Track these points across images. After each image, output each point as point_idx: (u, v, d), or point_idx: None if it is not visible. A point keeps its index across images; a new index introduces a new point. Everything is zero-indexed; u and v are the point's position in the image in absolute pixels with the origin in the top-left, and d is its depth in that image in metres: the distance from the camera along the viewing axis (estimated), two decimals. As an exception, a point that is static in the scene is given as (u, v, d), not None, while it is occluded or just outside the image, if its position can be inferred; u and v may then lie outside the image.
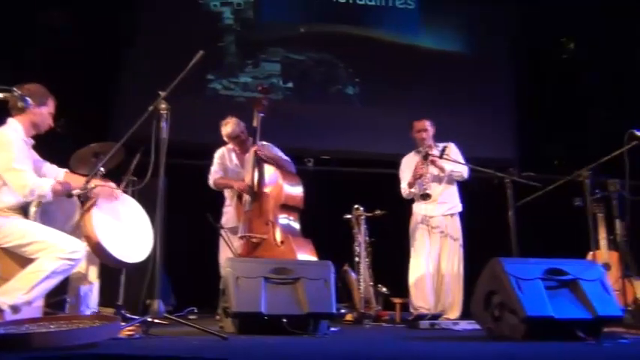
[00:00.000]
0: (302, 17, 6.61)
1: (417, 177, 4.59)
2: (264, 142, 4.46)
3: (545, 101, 6.50)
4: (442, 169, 4.67)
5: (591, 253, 4.35)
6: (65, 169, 3.36)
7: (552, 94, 6.53)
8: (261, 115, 4.41)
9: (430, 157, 4.59)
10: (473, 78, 6.53)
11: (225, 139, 4.57)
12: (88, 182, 3.12)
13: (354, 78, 6.51)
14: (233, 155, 4.62)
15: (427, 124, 4.78)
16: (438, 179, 4.71)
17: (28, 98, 3.07)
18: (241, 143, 4.55)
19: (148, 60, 5.93)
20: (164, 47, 5.86)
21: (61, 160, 3.46)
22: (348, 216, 4.89)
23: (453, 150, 4.71)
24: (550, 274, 3.14)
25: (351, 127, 6.30)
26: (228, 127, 4.50)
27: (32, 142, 3.18)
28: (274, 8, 6.60)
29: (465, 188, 4.91)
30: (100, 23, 5.76)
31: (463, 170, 4.67)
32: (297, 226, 4.29)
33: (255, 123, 4.40)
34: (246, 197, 4.28)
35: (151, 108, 3.13)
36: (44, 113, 3.15)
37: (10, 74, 3.80)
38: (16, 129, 3.06)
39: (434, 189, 4.65)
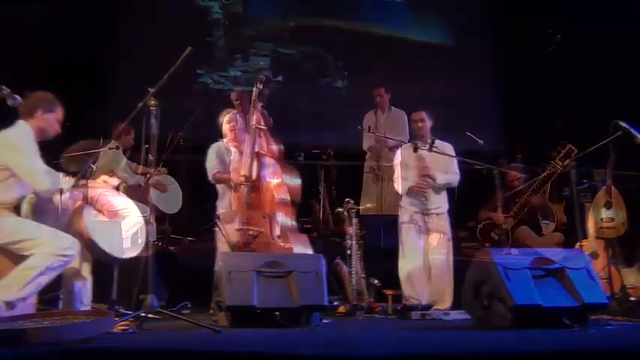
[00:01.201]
0: (290, 11, 6.62)
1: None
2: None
3: (533, 92, 6.54)
4: (434, 179, 4.63)
5: (579, 242, 4.42)
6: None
7: (539, 85, 6.58)
8: (261, 104, 4.44)
9: (419, 151, 4.61)
10: (460, 70, 6.57)
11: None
12: (79, 179, 3.14)
13: (342, 71, 6.53)
14: (230, 146, 4.59)
15: (424, 115, 4.78)
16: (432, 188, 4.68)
17: (17, 96, 3.08)
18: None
19: (137, 56, 5.92)
20: (153, 43, 5.86)
21: (50, 158, 3.45)
22: (340, 209, 4.91)
23: (446, 149, 4.69)
24: (537, 264, 3.20)
25: (340, 120, 6.32)
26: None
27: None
28: (262, 2, 6.60)
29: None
30: (88, 18, 5.73)
31: (453, 181, 4.67)
32: (293, 220, 4.28)
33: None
34: (244, 189, 4.27)
35: (140, 104, 3.15)
36: (51, 120, 3.17)
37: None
38: (26, 130, 3.08)
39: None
